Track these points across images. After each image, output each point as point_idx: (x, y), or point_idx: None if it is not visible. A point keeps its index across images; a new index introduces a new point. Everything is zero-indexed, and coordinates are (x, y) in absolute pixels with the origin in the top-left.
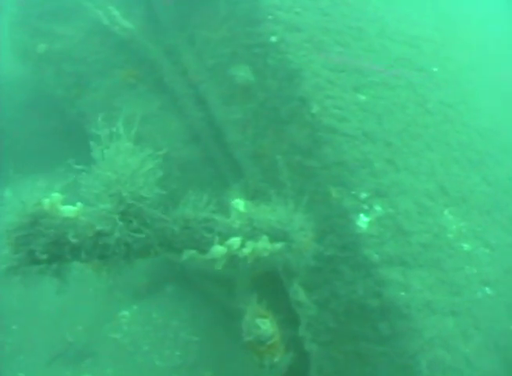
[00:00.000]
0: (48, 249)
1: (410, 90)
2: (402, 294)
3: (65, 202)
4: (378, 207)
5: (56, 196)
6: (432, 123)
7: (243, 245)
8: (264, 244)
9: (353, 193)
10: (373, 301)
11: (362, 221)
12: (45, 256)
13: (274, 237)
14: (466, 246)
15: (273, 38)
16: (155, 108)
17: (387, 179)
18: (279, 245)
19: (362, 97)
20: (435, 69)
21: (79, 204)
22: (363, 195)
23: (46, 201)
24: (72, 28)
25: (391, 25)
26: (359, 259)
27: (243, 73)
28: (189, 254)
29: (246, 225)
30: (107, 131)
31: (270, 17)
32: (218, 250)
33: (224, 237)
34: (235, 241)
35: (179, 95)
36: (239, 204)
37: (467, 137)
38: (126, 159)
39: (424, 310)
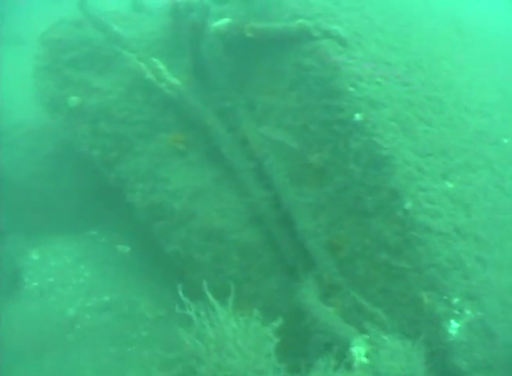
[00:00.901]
0: None
1: (489, 170)
2: None
3: None
4: (468, 311)
5: None
6: (511, 207)
7: None
8: None
9: (445, 298)
10: None
11: (453, 327)
12: None
13: None
14: None
15: (358, 116)
16: (209, 180)
17: (477, 280)
18: None
19: (450, 185)
20: (506, 140)
21: None
22: (455, 300)
23: None
24: (110, 81)
25: (464, 91)
26: (448, 368)
27: (314, 156)
28: None
29: None
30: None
31: (352, 89)
32: None
33: None
34: None
35: (238, 169)
36: (361, 353)
37: None
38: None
39: None
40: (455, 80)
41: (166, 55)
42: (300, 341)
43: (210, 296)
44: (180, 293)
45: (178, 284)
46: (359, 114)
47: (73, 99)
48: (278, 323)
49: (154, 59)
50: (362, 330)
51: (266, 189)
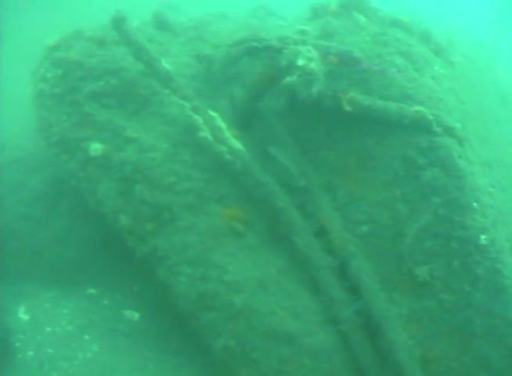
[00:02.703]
0: None
1: None
2: None
3: None
4: None
5: None
6: None
7: None
8: None
9: None
10: None
11: None
12: None
13: None
14: None
15: (483, 239)
16: (274, 271)
17: None
18: None
19: None
20: None
21: None
22: None
23: None
24: (149, 130)
25: None
26: None
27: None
28: None
29: None
30: None
31: (475, 205)
32: None
33: None
34: None
35: (315, 266)
36: None
37: None
38: None
39: None
40: None
41: (204, 96)
42: None
43: None
44: None
45: None
46: (485, 237)
47: (96, 147)
48: None
49: (212, 113)
50: None
51: (347, 292)
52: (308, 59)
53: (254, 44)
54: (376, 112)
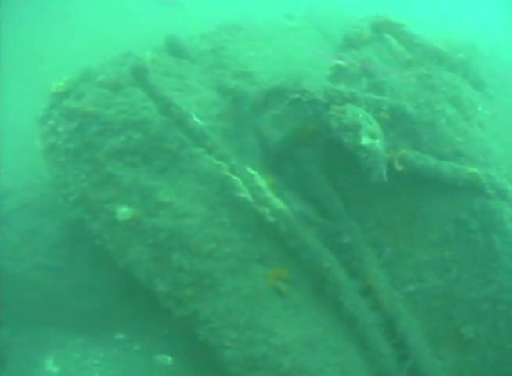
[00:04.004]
0: None
1: None
2: None
3: None
4: None
5: None
6: None
7: None
8: None
9: None
10: None
11: None
12: None
13: None
14: None
15: None
16: (320, 330)
17: None
18: None
19: None
20: None
21: None
22: None
23: None
24: (181, 191)
25: None
26: None
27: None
28: None
29: None
30: None
31: None
32: None
33: None
34: None
35: (361, 324)
36: None
37: None
38: None
39: None
40: None
41: (232, 136)
42: None
43: None
44: None
45: None
46: None
47: (125, 211)
48: None
49: (251, 171)
50: None
51: (394, 348)
52: (371, 135)
53: (297, 96)
54: (429, 172)
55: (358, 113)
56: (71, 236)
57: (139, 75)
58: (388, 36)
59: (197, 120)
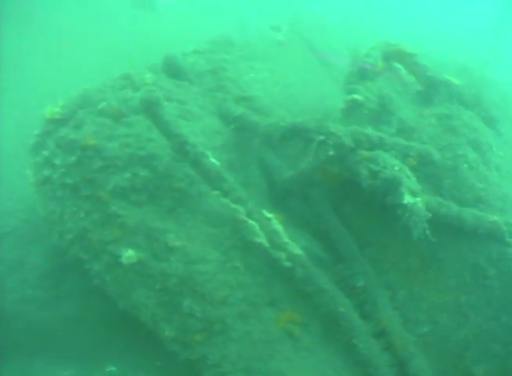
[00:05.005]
0: None
1: None
2: None
3: None
4: None
5: None
6: None
7: None
8: None
9: None
10: None
11: None
12: None
13: None
14: None
15: None
16: (331, 372)
17: None
18: None
19: None
20: None
21: None
22: None
23: None
24: (192, 234)
25: None
26: None
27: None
28: None
29: None
30: None
31: None
32: None
33: None
34: None
35: (374, 365)
36: None
37: None
38: None
39: None
40: None
41: (237, 168)
42: None
43: None
44: None
45: None
46: None
47: (130, 255)
48: None
49: (267, 214)
50: None
51: None
52: (412, 193)
53: (322, 138)
54: (451, 220)
55: (393, 165)
56: (59, 264)
57: (152, 109)
58: (398, 65)
59: (214, 160)
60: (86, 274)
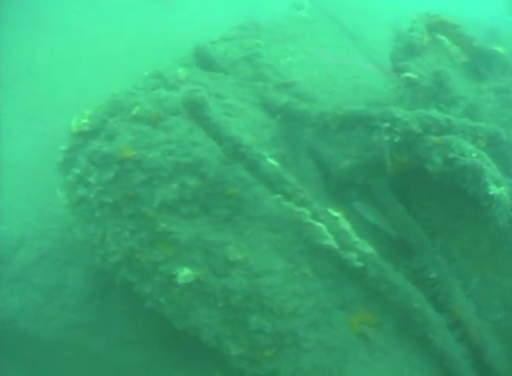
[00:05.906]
0: None
1: None
2: None
3: None
4: None
5: None
6: None
7: None
8: None
9: None
10: None
11: None
12: None
13: None
14: None
15: None
16: (407, 370)
17: None
18: None
19: None
20: None
21: None
22: None
23: None
24: (253, 242)
25: None
26: None
27: None
28: None
29: None
30: None
31: None
32: None
33: None
34: None
35: (450, 358)
36: None
37: None
38: None
39: None
40: None
41: (290, 164)
42: None
43: None
44: None
45: None
46: None
47: (187, 274)
48: None
49: (334, 213)
50: None
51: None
52: (496, 182)
53: (387, 125)
54: None
55: (471, 151)
56: (100, 285)
57: (198, 112)
58: (443, 37)
59: (272, 161)
60: (132, 295)
